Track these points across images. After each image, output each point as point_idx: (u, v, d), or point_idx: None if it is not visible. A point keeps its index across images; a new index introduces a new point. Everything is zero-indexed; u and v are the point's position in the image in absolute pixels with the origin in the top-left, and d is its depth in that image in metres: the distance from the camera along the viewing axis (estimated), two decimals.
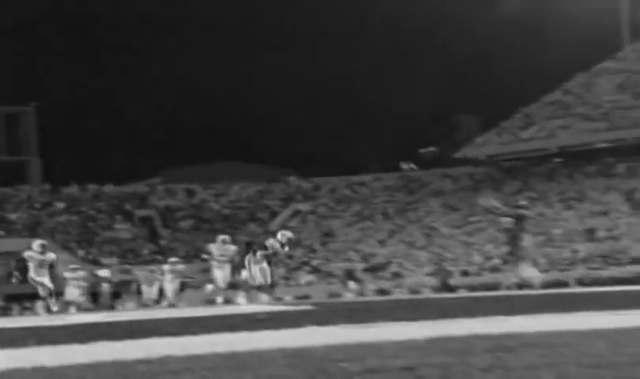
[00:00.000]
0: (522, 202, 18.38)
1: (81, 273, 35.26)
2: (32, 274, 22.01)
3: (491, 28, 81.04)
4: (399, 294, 35.09)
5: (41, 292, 22.82)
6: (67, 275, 33.91)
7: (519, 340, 4.00)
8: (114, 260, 50.33)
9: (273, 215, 54.26)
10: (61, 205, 55.51)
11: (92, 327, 8.11)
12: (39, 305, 27.69)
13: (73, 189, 57.28)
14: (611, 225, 41.33)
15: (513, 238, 16.91)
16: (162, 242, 52.66)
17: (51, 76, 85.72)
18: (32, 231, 52.17)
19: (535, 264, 33.42)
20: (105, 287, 47.87)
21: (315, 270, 45.13)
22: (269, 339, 4.98)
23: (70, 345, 5.25)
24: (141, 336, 5.67)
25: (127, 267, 47.45)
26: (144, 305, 34.63)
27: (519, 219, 15.35)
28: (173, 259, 33.71)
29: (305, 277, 44.51)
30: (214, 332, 5.91)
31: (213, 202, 56.23)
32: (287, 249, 24.49)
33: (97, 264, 49.70)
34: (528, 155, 51.83)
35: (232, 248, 27.12)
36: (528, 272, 33.68)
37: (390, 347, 4.09)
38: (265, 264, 25.00)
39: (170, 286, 31.80)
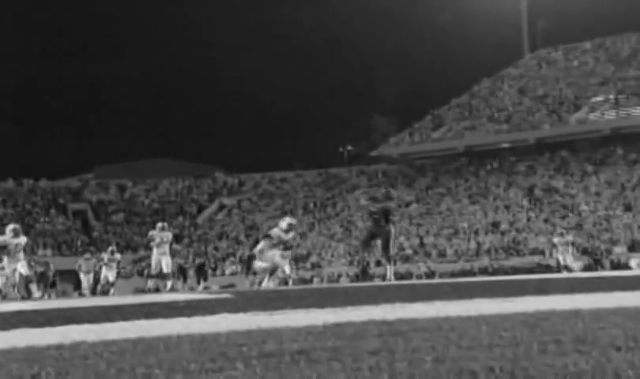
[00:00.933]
0: (391, 194, 17.98)
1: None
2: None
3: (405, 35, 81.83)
4: (318, 283, 35.18)
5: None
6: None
7: (410, 325, 4.04)
8: (48, 252, 49.58)
9: (200, 209, 53.96)
10: None
11: (15, 315, 7.96)
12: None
13: (9, 184, 56.21)
14: (513, 219, 42.00)
15: (370, 235, 16.82)
16: (94, 235, 51.97)
17: None
18: None
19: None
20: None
21: (240, 261, 45.00)
22: (180, 326, 4.94)
23: None
24: (59, 324, 5.58)
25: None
26: (80, 295, 34.30)
27: (385, 213, 15.21)
28: (111, 248, 33.73)
29: (230, 268, 44.36)
30: (131, 319, 5.84)
31: (144, 197, 55.69)
32: (291, 234, 23.77)
33: (33, 255, 48.92)
34: (438, 154, 52.40)
35: (170, 234, 26.72)
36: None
37: (290, 332, 4.10)
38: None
39: (109, 273, 32.20)
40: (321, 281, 33.74)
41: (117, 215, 53.88)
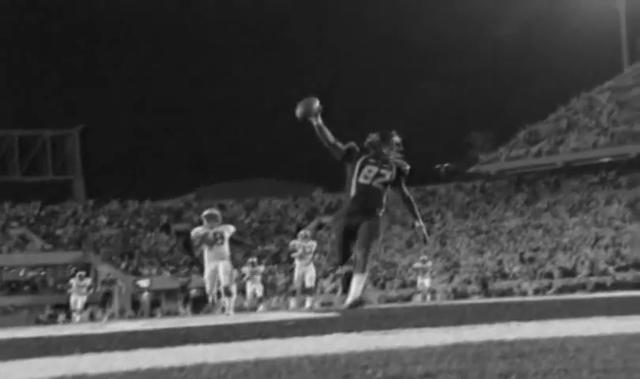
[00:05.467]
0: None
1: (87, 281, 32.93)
2: None
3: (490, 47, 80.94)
4: (420, 301, 34.86)
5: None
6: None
7: (533, 346, 3.90)
8: (153, 271, 50.55)
9: (300, 228, 54.25)
10: (104, 220, 55.83)
11: (131, 335, 8.06)
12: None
13: (114, 205, 57.58)
14: (615, 233, 40.99)
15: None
16: (197, 253, 52.68)
17: (92, 102, 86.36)
18: (77, 245, 52.51)
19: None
20: (145, 296, 48.05)
21: (338, 278, 45.00)
22: (296, 346, 4.91)
23: (111, 352, 5.21)
24: (177, 344, 5.61)
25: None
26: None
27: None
28: (251, 259, 30.85)
29: (330, 285, 44.36)
30: (245, 339, 5.83)
31: (244, 216, 56.31)
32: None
33: (138, 274, 49.96)
34: (536, 169, 51.65)
35: (315, 244, 24.56)
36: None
37: (410, 353, 4.02)
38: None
39: (256, 287, 29.54)
40: (424, 299, 33.35)
41: None
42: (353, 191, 9.44)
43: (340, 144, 9.49)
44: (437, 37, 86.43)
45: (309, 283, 23.47)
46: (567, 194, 48.05)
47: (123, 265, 50.84)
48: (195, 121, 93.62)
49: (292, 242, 24.34)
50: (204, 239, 16.80)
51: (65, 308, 38.77)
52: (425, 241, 10.00)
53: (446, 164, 57.58)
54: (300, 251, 23.58)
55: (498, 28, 79.20)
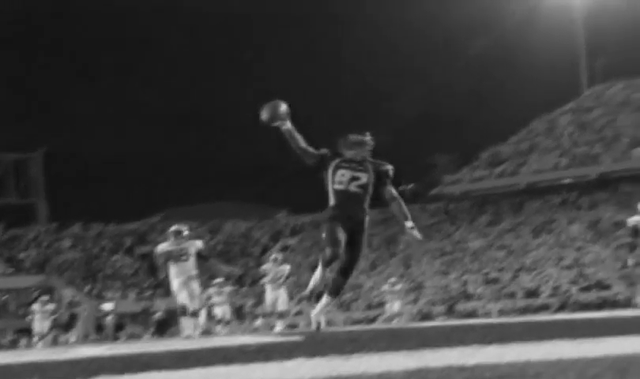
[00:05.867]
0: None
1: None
2: None
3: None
4: (383, 324, 34.93)
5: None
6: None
7: (493, 372, 3.93)
8: (117, 294, 50.18)
9: (264, 250, 54.14)
10: (67, 243, 55.34)
11: (93, 360, 7.97)
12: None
13: (77, 228, 57.12)
14: (578, 254, 41.36)
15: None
16: (161, 275, 52.33)
17: (54, 125, 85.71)
18: (41, 269, 51.98)
19: None
20: (109, 320, 47.61)
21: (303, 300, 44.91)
22: (259, 372, 4.89)
23: None
24: (139, 370, 5.57)
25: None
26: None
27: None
28: (218, 280, 30.28)
29: (295, 307, 44.26)
30: (209, 364, 5.80)
31: (208, 238, 56.09)
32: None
33: (102, 297, 49.55)
34: (499, 191, 52.04)
35: (287, 268, 24.08)
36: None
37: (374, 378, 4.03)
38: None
39: (219, 309, 29.08)
40: (388, 320, 33.42)
41: None
42: (331, 199, 9.07)
43: (312, 150, 9.14)
44: (401, 58, 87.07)
45: (281, 307, 23.29)
46: (530, 215, 48.40)
47: (87, 288, 50.39)
48: (160, 143, 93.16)
49: (263, 267, 24.10)
50: (169, 256, 16.66)
51: (27, 333, 38.34)
52: (418, 240, 9.64)
53: (410, 185, 57.67)
54: (271, 275, 23.29)
55: (459, 51, 80.00)
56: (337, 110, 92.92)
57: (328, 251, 8.86)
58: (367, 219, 9.20)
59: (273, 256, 24.19)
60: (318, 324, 9.19)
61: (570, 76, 63.61)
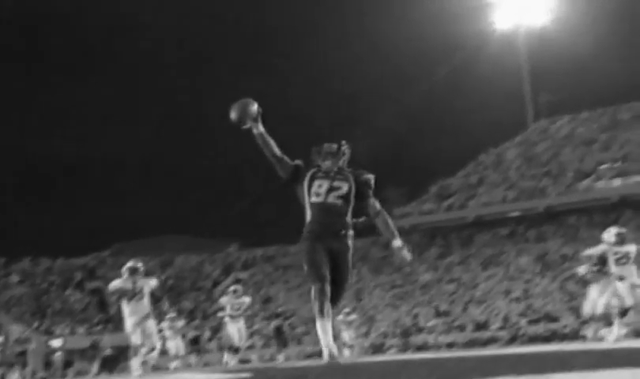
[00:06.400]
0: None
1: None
2: None
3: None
4: None
5: None
6: None
7: None
8: (66, 331, 49.43)
9: (215, 284, 53.85)
10: (15, 278, 54.52)
11: None
12: None
13: (26, 263, 56.32)
14: (526, 286, 41.72)
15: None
16: (111, 311, 51.78)
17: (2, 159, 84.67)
18: None
19: None
20: (57, 356, 46.82)
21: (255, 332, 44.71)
22: None
23: None
24: None
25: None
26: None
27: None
28: (171, 314, 29.30)
29: (250, 340, 44.01)
30: None
31: (159, 273, 55.62)
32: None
33: (50, 334, 48.78)
34: (448, 224, 52.43)
35: (247, 300, 23.45)
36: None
37: None
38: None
39: (172, 344, 28.49)
40: (341, 352, 33.27)
41: None
42: (308, 215, 8.12)
43: (287, 160, 8.18)
44: (347, 96, 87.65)
45: (237, 342, 22.78)
46: (479, 248, 48.80)
47: (35, 324, 49.56)
48: (110, 177, 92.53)
49: (221, 299, 23.53)
50: (123, 293, 16.29)
51: None
52: (406, 262, 8.53)
53: (361, 218, 57.75)
54: (229, 309, 22.68)
55: (406, 87, 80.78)
56: (285, 145, 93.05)
57: (314, 288, 7.92)
58: (352, 234, 8.27)
59: (233, 288, 23.51)
60: (332, 352, 8.20)
61: (517, 111, 64.88)
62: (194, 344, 42.97)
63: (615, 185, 48.24)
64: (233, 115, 7.97)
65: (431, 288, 45.37)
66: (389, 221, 8.42)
